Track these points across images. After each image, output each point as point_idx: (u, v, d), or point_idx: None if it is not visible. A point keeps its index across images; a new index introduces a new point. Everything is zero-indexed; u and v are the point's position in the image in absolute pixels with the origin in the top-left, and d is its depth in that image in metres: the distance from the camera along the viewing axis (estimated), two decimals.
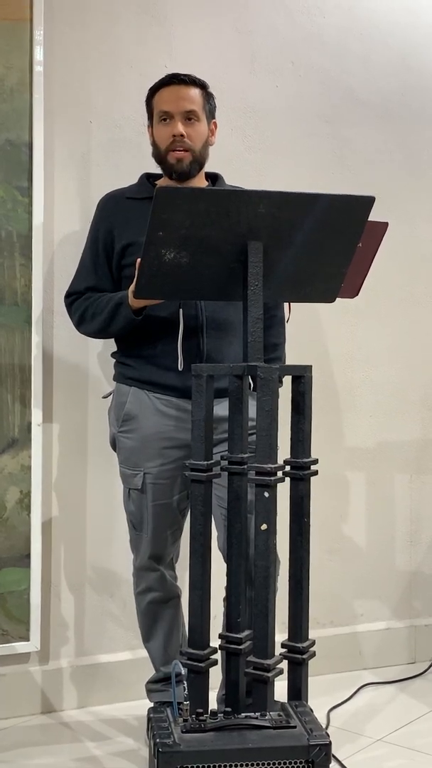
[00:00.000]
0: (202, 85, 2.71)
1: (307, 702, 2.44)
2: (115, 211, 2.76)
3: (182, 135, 2.65)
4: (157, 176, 2.80)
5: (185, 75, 2.69)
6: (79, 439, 3.09)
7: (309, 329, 3.30)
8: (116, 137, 3.09)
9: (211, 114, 2.74)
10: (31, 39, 2.92)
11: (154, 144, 2.73)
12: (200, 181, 2.77)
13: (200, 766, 2.13)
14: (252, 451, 2.39)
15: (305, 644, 2.46)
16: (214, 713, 2.26)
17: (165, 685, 2.81)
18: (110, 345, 2.89)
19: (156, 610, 2.81)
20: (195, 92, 2.69)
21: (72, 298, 2.79)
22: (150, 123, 2.75)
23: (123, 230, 2.72)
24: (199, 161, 2.71)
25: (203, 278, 2.42)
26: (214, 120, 2.76)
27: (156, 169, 2.79)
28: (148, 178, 2.81)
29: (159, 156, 2.71)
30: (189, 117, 2.67)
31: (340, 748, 2.72)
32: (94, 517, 3.11)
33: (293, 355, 2.94)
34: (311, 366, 2.44)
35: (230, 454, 2.44)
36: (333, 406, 3.43)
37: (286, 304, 2.88)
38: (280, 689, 2.43)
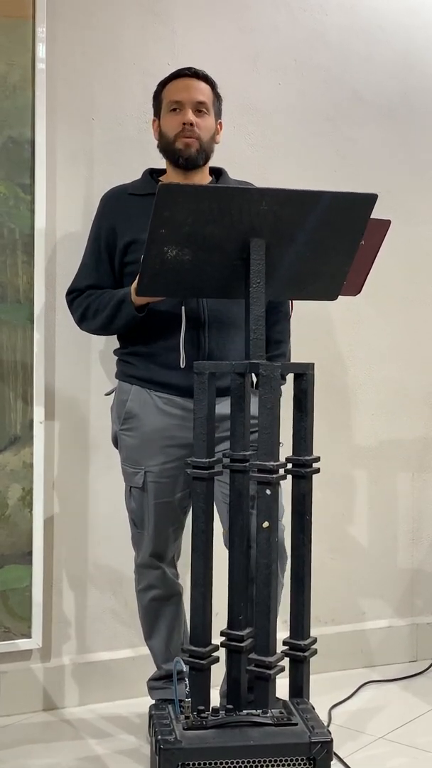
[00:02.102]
0: (212, 84, 2.73)
1: (308, 699, 2.44)
2: (117, 208, 2.76)
3: (192, 123, 2.66)
4: (161, 172, 2.79)
5: (197, 69, 2.71)
6: (81, 436, 3.09)
7: (311, 327, 3.30)
8: (119, 135, 3.09)
9: (218, 114, 2.75)
10: (34, 36, 2.92)
11: (160, 134, 2.73)
12: (204, 176, 2.77)
13: (202, 763, 2.13)
14: (254, 448, 2.39)
15: (307, 642, 2.46)
16: (215, 710, 2.26)
17: (167, 683, 2.81)
18: (112, 342, 2.89)
19: (157, 607, 2.82)
20: (206, 87, 2.71)
21: (73, 295, 2.78)
22: (156, 117, 2.75)
23: (125, 227, 2.71)
24: (206, 152, 2.71)
25: (205, 276, 2.42)
26: (220, 120, 2.77)
27: (159, 165, 2.79)
28: (151, 174, 2.81)
29: (166, 144, 2.71)
30: (200, 109, 2.68)
31: (341, 746, 2.72)
32: (96, 514, 3.11)
33: (295, 352, 2.94)
34: (313, 364, 2.44)
35: (232, 451, 2.44)
36: (335, 403, 3.43)
37: (287, 302, 2.88)
38: (282, 687, 2.43)
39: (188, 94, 2.68)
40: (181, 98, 2.68)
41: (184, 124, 2.66)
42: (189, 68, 2.72)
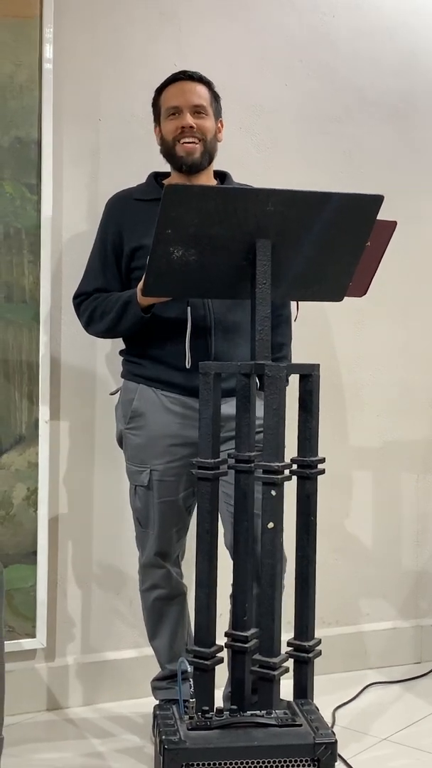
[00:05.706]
0: (208, 84, 2.72)
1: (312, 701, 2.44)
2: (123, 213, 2.76)
3: (192, 126, 2.65)
4: (165, 175, 2.79)
5: (192, 72, 2.70)
6: (86, 435, 3.09)
7: (316, 328, 3.30)
8: (125, 135, 3.09)
9: (217, 113, 2.75)
10: (41, 36, 2.92)
11: (162, 140, 2.73)
12: (209, 179, 2.76)
13: (206, 763, 2.14)
14: (259, 449, 2.39)
15: (311, 643, 2.47)
16: (219, 711, 2.26)
17: (171, 683, 2.81)
18: (118, 342, 2.89)
19: (161, 607, 2.82)
20: (202, 89, 2.70)
21: (80, 299, 2.79)
22: (157, 123, 2.75)
23: (132, 233, 2.71)
24: (209, 152, 2.70)
25: (211, 276, 2.42)
26: (220, 119, 2.76)
27: (164, 168, 2.79)
28: (156, 177, 2.81)
29: (167, 149, 2.71)
30: (198, 111, 2.67)
31: (345, 747, 2.72)
32: (101, 514, 3.11)
33: (300, 353, 2.94)
34: (319, 365, 2.45)
35: (237, 452, 2.44)
36: (340, 405, 3.43)
37: (293, 303, 2.88)
38: (286, 688, 2.43)
39: (185, 99, 2.67)
40: (178, 103, 2.67)
41: (183, 128, 2.66)
42: (183, 72, 2.71)
